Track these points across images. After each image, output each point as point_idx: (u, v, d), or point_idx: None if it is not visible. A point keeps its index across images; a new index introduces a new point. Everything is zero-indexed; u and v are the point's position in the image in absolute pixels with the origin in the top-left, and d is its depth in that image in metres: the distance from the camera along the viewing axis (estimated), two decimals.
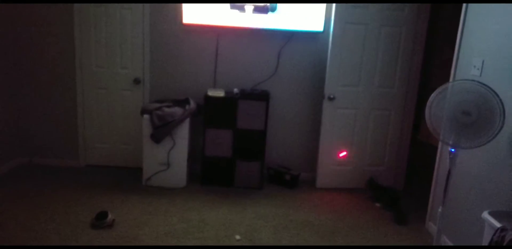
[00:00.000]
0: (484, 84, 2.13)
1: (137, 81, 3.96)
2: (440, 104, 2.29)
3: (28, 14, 3.82)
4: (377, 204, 3.60)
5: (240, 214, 3.28)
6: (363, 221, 3.28)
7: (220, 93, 3.69)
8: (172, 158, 3.67)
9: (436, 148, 3.18)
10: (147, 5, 3.80)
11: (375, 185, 3.77)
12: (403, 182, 4.04)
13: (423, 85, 3.95)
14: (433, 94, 2.31)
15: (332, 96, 3.74)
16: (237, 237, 2.89)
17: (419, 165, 4.53)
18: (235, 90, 3.71)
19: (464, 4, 2.86)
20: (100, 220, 2.93)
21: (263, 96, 3.68)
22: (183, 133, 3.62)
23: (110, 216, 2.96)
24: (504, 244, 1.85)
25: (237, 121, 3.69)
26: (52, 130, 4.09)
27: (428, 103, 2.33)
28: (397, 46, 3.72)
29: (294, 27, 3.72)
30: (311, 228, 3.11)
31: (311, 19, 3.69)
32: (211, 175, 3.82)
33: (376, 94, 3.81)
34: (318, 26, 3.71)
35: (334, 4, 3.56)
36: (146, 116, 3.59)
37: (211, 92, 3.69)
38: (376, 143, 3.92)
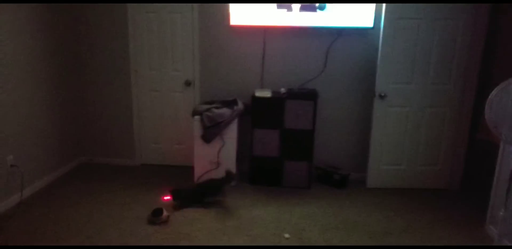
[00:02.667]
0: None
1: (187, 83, 4.10)
2: (503, 101, 2.17)
3: (85, 23, 4.07)
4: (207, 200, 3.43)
5: (289, 213, 3.30)
6: (416, 223, 3.17)
7: (267, 93, 3.72)
8: (222, 157, 3.76)
9: (497, 146, 3.00)
10: (196, 9, 3.91)
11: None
12: (459, 182, 3.86)
13: (483, 81, 3.73)
14: (494, 90, 2.19)
15: (383, 94, 3.65)
16: (286, 235, 2.91)
17: (477, 165, 4.28)
18: (282, 90, 3.73)
19: None
20: (156, 216, 3.07)
21: (310, 96, 3.66)
22: (231, 133, 3.70)
23: (165, 213, 3.10)
24: None
25: (285, 121, 3.70)
26: (110, 131, 4.34)
27: (489, 100, 2.22)
28: (453, 40, 3.55)
29: (343, 24, 3.66)
30: (362, 228, 3.06)
31: (361, 15, 3.62)
32: (259, 175, 3.86)
33: (430, 91, 3.66)
34: (368, 22, 3.63)
35: None
36: (196, 117, 3.71)
37: (258, 93, 3.73)
38: (430, 141, 3.77)
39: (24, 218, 3.09)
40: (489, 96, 2.21)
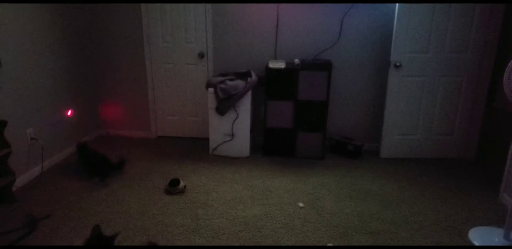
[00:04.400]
0: None
1: (201, 55, 4.07)
2: None
3: None
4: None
5: (303, 183, 3.35)
6: (429, 192, 3.20)
7: (281, 64, 3.69)
8: (236, 129, 3.79)
9: None
10: None
11: (86, 151, 3.49)
12: (475, 152, 3.85)
13: (502, 48, 3.63)
14: None
15: (398, 63, 3.59)
16: (300, 204, 2.98)
17: (494, 134, 4.25)
18: (296, 60, 3.69)
19: None
20: (173, 187, 3.16)
21: (325, 66, 3.62)
22: (245, 105, 3.71)
23: (182, 183, 3.18)
24: None
25: (298, 92, 3.69)
26: (126, 104, 4.39)
27: (508, 68, 2.17)
28: (472, 6, 3.43)
29: None
30: (375, 197, 3.11)
31: None
32: (273, 146, 3.90)
33: (447, 60, 3.59)
34: None
35: None
36: (210, 89, 3.71)
37: (272, 64, 3.70)
38: (445, 111, 3.73)
39: (46, 189, 3.20)
40: (509, 65, 2.15)
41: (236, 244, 2.49)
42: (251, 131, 3.87)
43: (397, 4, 3.44)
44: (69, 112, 3.32)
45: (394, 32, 3.52)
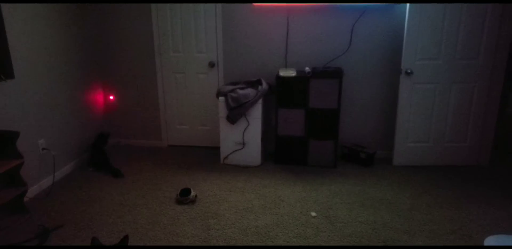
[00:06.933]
0: None
1: (211, 64, 4.09)
2: None
3: (109, 7, 4.08)
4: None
5: (315, 191, 3.32)
6: (443, 200, 3.15)
7: (292, 73, 3.68)
8: (247, 137, 3.78)
9: None
10: None
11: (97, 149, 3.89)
12: (489, 159, 3.79)
13: None
14: None
15: (409, 70, 3.57)
16: (313, 214, 2.94)
17: (508, 140, 4.18)
18: (307, 69, 3.68)
19: None
20: (184, 196, 3.14)
21: (335, 74, 3.61)
22: (256, 113, 3.70)
23: (193, 193, 3.16)
24: None
25: (310, 100, 3.67)
26: (137, 113, 4.41)
27: None
28: (483, 12, 3.41)
29: None
30: (388, 205, 3.06)
31: None
32: (285, 154, 3.88)
33: (458, 66, 3.56)
34: None
35: None
36: (221, 98, 3.72)
37: (283, 72, 3.70)
38: (457, 118, 3.69)
39: (57, 199, 3.21)
40: None
41: None
42: (262, 139, 3.85)
43: (407, 13, 3.43)
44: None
45: (404, 40, 3.51)
